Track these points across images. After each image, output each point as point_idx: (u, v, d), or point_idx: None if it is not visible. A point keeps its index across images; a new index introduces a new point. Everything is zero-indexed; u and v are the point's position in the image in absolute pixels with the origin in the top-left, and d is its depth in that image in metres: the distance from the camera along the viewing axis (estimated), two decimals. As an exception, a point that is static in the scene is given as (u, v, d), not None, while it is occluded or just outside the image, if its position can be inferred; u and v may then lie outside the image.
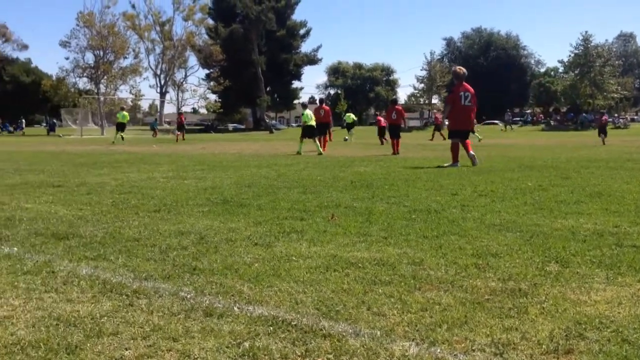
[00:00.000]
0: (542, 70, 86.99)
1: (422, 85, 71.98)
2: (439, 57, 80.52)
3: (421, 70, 72.89)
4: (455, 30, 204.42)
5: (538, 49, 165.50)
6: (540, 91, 79.84)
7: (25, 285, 2.90)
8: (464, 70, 11.28)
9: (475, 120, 11.58)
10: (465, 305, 2.57)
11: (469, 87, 10.98)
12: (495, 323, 2.35)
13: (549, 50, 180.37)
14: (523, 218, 4.75)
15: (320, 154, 15.43)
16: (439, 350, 2.11)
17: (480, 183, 7.34)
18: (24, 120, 55.29)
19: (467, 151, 10.56)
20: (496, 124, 63.23)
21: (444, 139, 20.68)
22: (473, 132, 10.73)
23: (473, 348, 2.13)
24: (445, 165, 10.34)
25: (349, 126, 32.12)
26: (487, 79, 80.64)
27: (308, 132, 16.48)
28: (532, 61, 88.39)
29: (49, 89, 54.07)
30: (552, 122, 61.86)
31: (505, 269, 3.17)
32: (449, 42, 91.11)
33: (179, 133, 31.27)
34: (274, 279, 2.99)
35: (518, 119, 69.65)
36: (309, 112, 16.98)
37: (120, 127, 28.81)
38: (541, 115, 71.40)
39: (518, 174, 8.62)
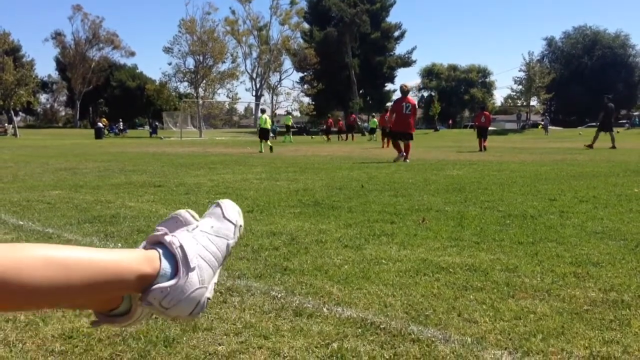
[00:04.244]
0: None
1: (520, 87, 69.55)
2: (538, 57, 77.69)
3: (519, 71, 70.40)
4: (556, 29, 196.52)
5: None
6: (650, 92, 75.40)
7: (128, 280, 3.05)
8: (409, 86, 14.75)
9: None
10: (562, 315, 2.46)
11: (411, 99, 13.93)
12: (595, 335, 2.23)
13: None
14: (628, 226, 4.49)
15: (261, 151, 18.95)
16: (532, 361, 2.04)
17: (582, 188, 7.02)
18: (121, 123, 57.46)
19: (405, 151, 13.13)
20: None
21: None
22: (412, 138, 13.61)
23: (570, 360, 2.04)
24: (394, 160, 12.80)
25: (372, 131, 36.20)
26: (591, 79, 76.90)
27: (263, 134, 20.44)
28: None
29: (152, 93, 56.64)
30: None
31: (606, 279, 3.01)
32: (550, 41, 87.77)
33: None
34: (363, 282, 2.99)
35: (625, 121, 65.94)
36: (265, 116, 21.24)
37: (288, 129, 37.37)
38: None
39: (623, 179, 8.17)
